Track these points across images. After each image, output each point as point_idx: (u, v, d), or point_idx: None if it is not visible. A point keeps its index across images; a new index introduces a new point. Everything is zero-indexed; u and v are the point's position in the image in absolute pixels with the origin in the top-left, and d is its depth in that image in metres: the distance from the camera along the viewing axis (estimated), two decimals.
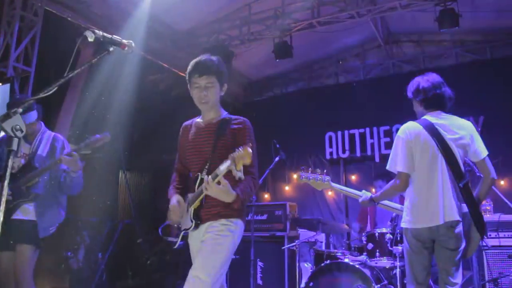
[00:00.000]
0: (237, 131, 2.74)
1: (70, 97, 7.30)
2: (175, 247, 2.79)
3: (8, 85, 4.86)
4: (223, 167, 2.43)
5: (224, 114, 2.87)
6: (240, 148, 2.38)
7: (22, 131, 1.90)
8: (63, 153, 3.55)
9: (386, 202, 3.76)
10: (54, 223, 3.66)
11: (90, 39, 2.08)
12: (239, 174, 2.45)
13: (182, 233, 2.74)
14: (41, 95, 2.07)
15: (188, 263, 2.74)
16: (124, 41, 2.20)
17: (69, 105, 7.32)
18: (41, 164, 3.59)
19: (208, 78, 2.75)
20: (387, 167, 3.28)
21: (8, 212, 3.41)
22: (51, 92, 2.07)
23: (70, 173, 3.54)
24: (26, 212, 3.51)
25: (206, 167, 2.67)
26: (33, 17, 5.65)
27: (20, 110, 1.90)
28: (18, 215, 3.49)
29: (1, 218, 1.86)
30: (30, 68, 5.57)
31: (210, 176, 2.49)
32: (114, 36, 2.17)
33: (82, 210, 6.73)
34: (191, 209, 2.69)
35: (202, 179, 2.62)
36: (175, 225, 2.80)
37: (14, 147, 1.90)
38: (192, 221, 2.67)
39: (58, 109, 7.17)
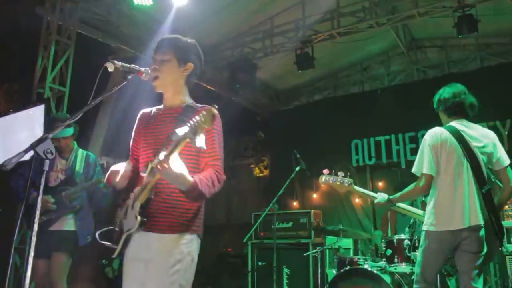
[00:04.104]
0: None
1: (102, 114, 7.67)
2: (114, 256, 2.25)
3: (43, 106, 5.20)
4: (180, 134, 1.89)
5: (190, 101, 2.46)
6: (201, 112, 1.90)
7: (52, 154, 2.13)
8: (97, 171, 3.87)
9: (407, 207, 3.84)
10: (91, 232, 3.89)
11: (110, 70, 2.30)
12: (199, 143, 1.87)
13: (124, 237, 2.21)
14: (78, 116, 2.30)
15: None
16: (141, 69, 2.41)
17: (102, 121, 7.68)
18: (80, 179, 3.90)
19: (163, 53, 2.40)
20: (413, 170, 3.32)
21: (48, 222, 3.72)
22: (78, 117, 2.31)
23: (102, 189, 3.82)
24: (65, 222, 3.81)
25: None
26: (67, 40, 6.04)
27: (50, 136, 2.14)
28: (57, 226, 3.78)
29: (36, 228, 2.09)
30: (65, 88, 5.96)
31: (163, 152, 1.98)
32: (132, 65, 2.39)
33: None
34: (138, 204, 2.16)
35: (152, 168, 2.10)
36: (117, 229, 2.27)
37: (46, 167, 2.15)
38: (136, 218, 2.13)
39: (92, 125, 7.54)
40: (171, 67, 2.39)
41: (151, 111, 2.52)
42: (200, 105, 2.38)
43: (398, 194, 3.47)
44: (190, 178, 2.04)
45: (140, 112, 2.56)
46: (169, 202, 2.20)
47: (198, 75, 2.52)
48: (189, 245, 2.21)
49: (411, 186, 3.35)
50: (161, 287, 2.12)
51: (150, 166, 2.13)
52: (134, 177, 2.33)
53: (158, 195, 2.18)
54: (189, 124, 1.86)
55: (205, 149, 2.01)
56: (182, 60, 2.41)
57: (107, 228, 2.32)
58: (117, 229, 2.26)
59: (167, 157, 1.94)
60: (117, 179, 2.25)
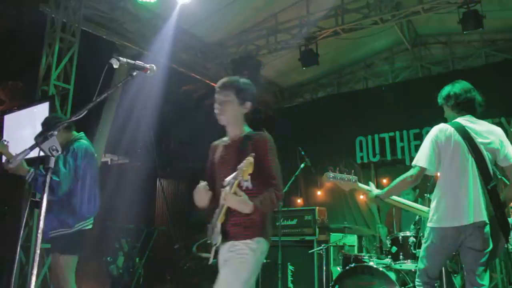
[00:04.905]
0: (256, 146, 2.76)
1: (107, 110, 7.68)
2: (209, 263, 2.81)
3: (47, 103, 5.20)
4: (229, 178, 2.52)
5: (247, 131, 2.93)
6: (245, 160, 2.45)
7: (58, 151, 2.12)
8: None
9: (412, 204, 3.83)
10: (54, 227, 3.65)
11: (115, 66, 2.30)
12: (245, 183, 2.54)
13: (214, 248, 2.78)
14: (76, 117, 2.29)
15: None
16: (147, 65, 2.41)
17: (106, 117, 7.69)
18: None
19: (225, 92, 2.84)
20: (413, 163, 3.30)
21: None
22: (82, 115, 2.30)
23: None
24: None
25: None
26: (71, 38, 6.03)
27: (56, 132, 2.13)
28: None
29: (42, 226, 2.08)
30: (69, 86, 5.95)
31: (226, 187, 2.55)
32: (137, 61, 2.39)
33: (120, 217, 7.06)
34: (218, 224, 2.74)
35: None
36: (209, 241, 2.83)
37: (51, 165, 2.14)
38: (219, 236, 2.73)
39: (97, 121, 7.56)
40: (232, 107, 2.84)
41: (219, 143, 3.02)
42: (255, 132, 2.89)
43: (386, 189, 3.44)
44: (250, 203, 2.56)
45: (211, 145, 3.08)
46: (239, 218, 2.69)
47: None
48: (256, 245, 2.68)
49: (401, 177, 3.33)
50: (231, 271, 2.63)
51: (223, 194, 2.63)
52: (214, 199, 2.85)
53: (232, 213, 2.69)
54: (238, 170, 2.45)
55: (263, 172, 2.67)
56: (241, 100, 2.85)
57: (203, 240, 2.89)
58: (209, 242, 2.82)
59: (229, 192, 2.52)
60: (201, 203, 2.82)
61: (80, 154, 3.77)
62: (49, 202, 3.53)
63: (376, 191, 3.50)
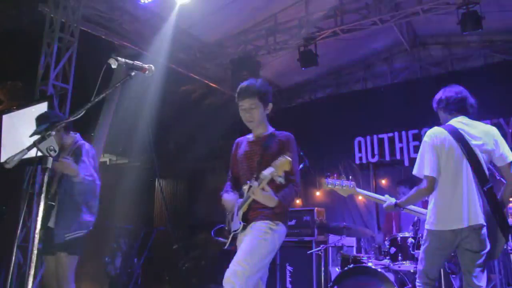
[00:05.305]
0: (282, 144, 3.04)
1: (106, 110, 7.67)
2: (225, 247, 3.07)
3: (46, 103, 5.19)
4: (267, 173, 2.73)
5: (271, 129, 3.21)
6: (281, 157, 2.70)
7: (55, 151, 2.12)
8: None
9: (410, 206, 3.85)
10: (73, 229, 3.63)
11: (114, 66, 2.30)
12: (279, 179, 2.73)
13: (232, 235, 3.03)
14: (73, 118, 2.29)
15: (224, 267, 2.89)
16: (145, 65, 2.41)
17: (105, 117, 7.69)
18: None
19: (250, 100, 3.07)
20: (414, 172, 3.35)
21: (45, 220, 3.60)
22: (81, 115, 2.30)
23: (72, 178, 3.52)
24: (51, 219, 3.65)
25: (255, 175, 2.91)
26: (70, 37, 6.02)
27: (54, 132, 2.13)
28: (51, 223, 3.64)
29: (39, 227, 2.08)
30: (68, 86, 5.94)
31: (256, 182, 2.80)
32: (135, 62, 2.39)
33: (118, 217, 7.05)
34: (240, 212, 2.98)
35: (251, 186, 2.89)
36: (226, 228, 3.10)
37: (49, 165, 2.14)
38: (240, 223, 2.97)
39: (96, 121, 7.56)
40: (259, 111, 3.11)
41: (243, 140, 3.30)
42: (278, 132, 3.18)
43: (404, 198, 3.51)
44: (275, 198, 2.84)
45: (235, 141, 3.36)
46: (262, 206, 2.93)
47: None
48: (275, 227, 2.95)
49: (415, 190, 3.37)
50: (250, 245, 2.83)
51: (248, 187, 2.90)
52: (236, 187, 3.21)
53: (254, 202, 2.94)
54: (273, 166, 2.69)
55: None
56: (265, 104, 3.13)
57: (220, 226, 3.16)
58: (226, 228, 3.10)
59: (258, 187, 2.78)
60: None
61: (96, 155, 3.85)
62: (68, 205, 3.63)
63: (392, 200, 3.60)
